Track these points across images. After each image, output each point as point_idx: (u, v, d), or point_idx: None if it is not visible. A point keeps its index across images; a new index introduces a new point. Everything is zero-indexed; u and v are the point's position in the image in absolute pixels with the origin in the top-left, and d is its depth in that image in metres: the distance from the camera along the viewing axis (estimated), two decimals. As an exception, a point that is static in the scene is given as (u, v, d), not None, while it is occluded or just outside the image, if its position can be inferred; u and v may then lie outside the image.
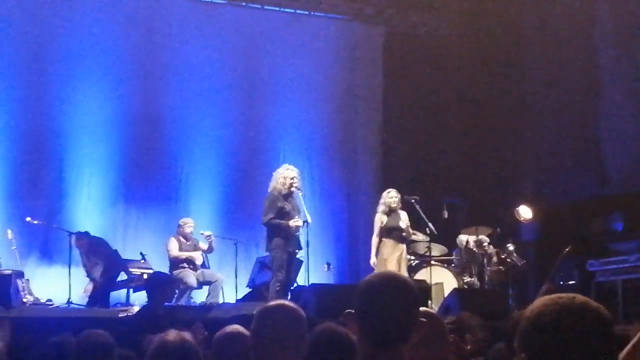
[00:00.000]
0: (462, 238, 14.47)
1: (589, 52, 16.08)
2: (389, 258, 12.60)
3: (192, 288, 13.85)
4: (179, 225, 14.31)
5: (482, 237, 14.16)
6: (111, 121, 15.82)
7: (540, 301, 2.49)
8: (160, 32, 16.31)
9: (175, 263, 13.93)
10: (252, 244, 15.15)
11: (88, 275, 13.18)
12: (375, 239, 12.81)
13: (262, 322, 3.83)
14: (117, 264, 13.45)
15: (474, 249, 14.12)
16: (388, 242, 12.71)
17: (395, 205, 12.87)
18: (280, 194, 11.87)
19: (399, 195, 13.01)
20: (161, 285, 9.20)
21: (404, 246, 12.88)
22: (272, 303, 3.98)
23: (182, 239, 14.16)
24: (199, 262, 14.06)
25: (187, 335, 4.23)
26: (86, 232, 13.62)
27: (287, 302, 4.06)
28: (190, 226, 14.33)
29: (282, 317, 3.84)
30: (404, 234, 12.82)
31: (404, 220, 12.86)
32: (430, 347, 3.80)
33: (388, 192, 13.05)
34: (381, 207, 12.91)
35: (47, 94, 15.56)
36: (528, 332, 2.44)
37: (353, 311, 3.04)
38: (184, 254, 13.97)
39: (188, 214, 15.61)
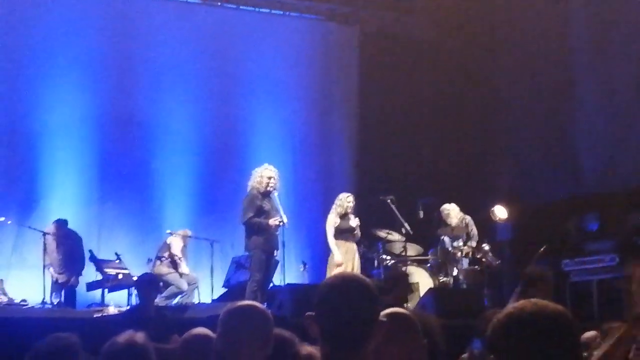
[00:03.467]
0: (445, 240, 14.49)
1: (563, 52, 16.16)
2: (343, 259, 12.63)
3: (182, 292, 13.92)
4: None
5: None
6: (85, 121, 15.75)
7: (509, 307, 2.51)
8: (135, 31, 16.25)
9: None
10: (227, 244, 15.11)
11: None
12: (332, 239, 12.79)
13: (229, 323, 3.82)
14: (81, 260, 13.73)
15: (449, 249, 14.16)
16: (339, 243, 12.73)
17: (350, 210, 12.90)
18: (259, 193, 11.83)
19: (354, 202, 13.04)
20: (151, 286, 9.22)
21: (355, 246, 12.91)
22: (239, 304, 3.96)
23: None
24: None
25: (140, 336, 4.23)
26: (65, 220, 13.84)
27: (253, 303, 4.06)
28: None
29: (248, 317, 3.82)
30: (355, 232, 12.86)
31: (354, 219, 12.89)
32: (402, 347, 3.79)
33: (347, 196, 13.04)
34: (337, 209, 12.91)
35: (20, 94, 15.47)
36: (496, 336, 2.46)
37: (313, 313, 3.03)
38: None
39: (163, 214, 15.61)
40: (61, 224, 13.79)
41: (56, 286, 13.51)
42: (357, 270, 12.39)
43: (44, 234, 13.49)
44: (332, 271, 12.60)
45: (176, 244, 14.33)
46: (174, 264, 14.16)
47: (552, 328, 2.41)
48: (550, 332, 2.40)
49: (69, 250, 13.68)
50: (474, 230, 14.33)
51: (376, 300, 3.04)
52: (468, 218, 14.37)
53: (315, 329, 3.00)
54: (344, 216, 12.88)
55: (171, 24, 16.57)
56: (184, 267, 14.15)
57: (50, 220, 14.25)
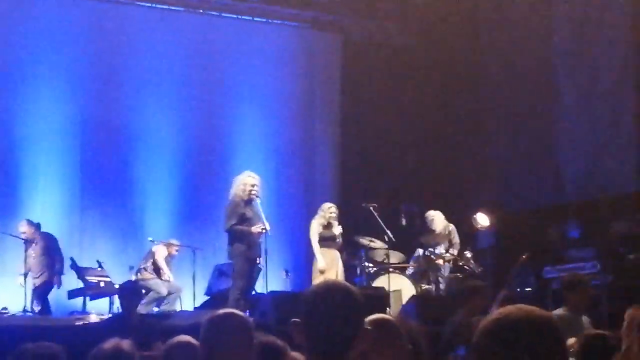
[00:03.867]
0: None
1: (545, 59, 16.22)
2: (328, 266, 12.69)
3: (162, 297, 13.88)
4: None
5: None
6: (66, 129, 15.70)
7: (495, 312, 2.51)
8: (118, 38, 16.22)
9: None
10: (209, 251, 15.09)
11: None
12: (317, 245, 12.87)
13: (210, 331, 3.86)
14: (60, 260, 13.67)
15: (432, 256, 14.17)
16: (322, 251, 12.82)
17: (332, 220, 13.00)
18: (242, 200, 11.82)
19: (337, 211, 13.10)
20: (134, 294, 9.20)
21: (337, 253, 12.99)
22: (220, 312, 4.00)
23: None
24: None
25: (125, 344, 4.25)
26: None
27: (233, 311, 4.09)
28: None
29: (229, 325, 3.85)
30: (338, 240, 12.98)
31: (337, 228, 13.03)
32: (387, 352, 3.81)
33: (329, 207, 13.19)
34: (320, 220, 13.01)
35: (2, 101, 15.41)
36: (482, 342, 2.45)
37: (299, 320, 3.03)
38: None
39: (145, 221, 15.58)
40: (33, 224, 13.76)
41: (37, 293, 13.45)
42: (340, 277, 12.44)
43: (25, 241, 13.45)
44: (316, 277, 12.65)
45: (160, 252, 14.32)
46: (157, 271, 14.14)
47: (539, 334, 2.40)
48: (537, 337, 2.39)
49: (46, 249, 13.62)
50: (456, 239, 14.36)
51: (361, 308, 3.04)
52: (452, 227, 14.40)
53: (301, 335, 3.00)
54: (327, 225, 12.95)
55: (154, 31, 16.54)
56: (167, 275, 14.13)
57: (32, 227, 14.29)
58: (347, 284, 3.19)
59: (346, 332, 2.96)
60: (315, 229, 12.94)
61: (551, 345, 2.40)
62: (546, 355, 2.38)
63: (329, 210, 13.09)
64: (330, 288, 3.09)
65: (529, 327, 2.40)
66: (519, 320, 2.42)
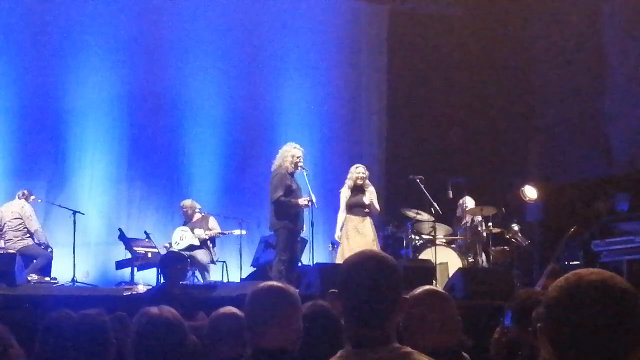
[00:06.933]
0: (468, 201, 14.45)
1: (595, 31, 16.01)
2: (353, 233, 12.42)
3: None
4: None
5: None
6: (114, 100, 15.82)
7: (568, 274, 2.43)
8: (164, 9, 16.27)
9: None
10: (254, 223, 15.13)
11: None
12: (341, 214, 12.61)
13: (254, 304, 3.87)
14: None
15: (479, 229, 14.11)
16: (350, 218, 12.50)
17: (361, 181, 12.59)
18: (287, 172, 11.78)
19: (367, 172, 12.73)
20: (173, 265, 9.21)
21: (368, 220, 12.62)
22: (263, 284, 4.00)
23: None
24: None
25: (167, 309, 4.29)
26: None
27: (277, 283, 4.10)
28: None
29: (273, 298, 3.86)
30: (366, 210, 12.56)
31: (369, 196, 12.60)
32: (436, 324, 3.82)
33: (356, 167, 12.71)
34: (347, 182, 12.69)
35: (50, 72, 15.54)
36: (554, 303, 2.37)
37: (336, 290, 3.01)
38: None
39: (190, 193, 15.62)
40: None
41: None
42: (370, 246, 12.18)
43: (74, 212, 13.55)
44: (342, 247, 12.52)
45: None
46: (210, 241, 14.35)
47: (611, 295, 2.33)
48: (610, 299, 2.32)
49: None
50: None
51: (397, 277, 3.00)
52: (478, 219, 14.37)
53: (338, 305, 2.99)
54: (357, 190, 12.62)
55: (200, 2, 16.56)
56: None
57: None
58: (384, 254, 3.14)
59: (382, 301, 2.93)
60: (342, 194, 12.66)
61: (626, 307, 2.32)
62: (620, 317, 2.31)
63: (355, 170, 12.64)
64: (365, 258, 3.05)
65: (603, 289, 2.33)
66: (593, 281, 2.35)
